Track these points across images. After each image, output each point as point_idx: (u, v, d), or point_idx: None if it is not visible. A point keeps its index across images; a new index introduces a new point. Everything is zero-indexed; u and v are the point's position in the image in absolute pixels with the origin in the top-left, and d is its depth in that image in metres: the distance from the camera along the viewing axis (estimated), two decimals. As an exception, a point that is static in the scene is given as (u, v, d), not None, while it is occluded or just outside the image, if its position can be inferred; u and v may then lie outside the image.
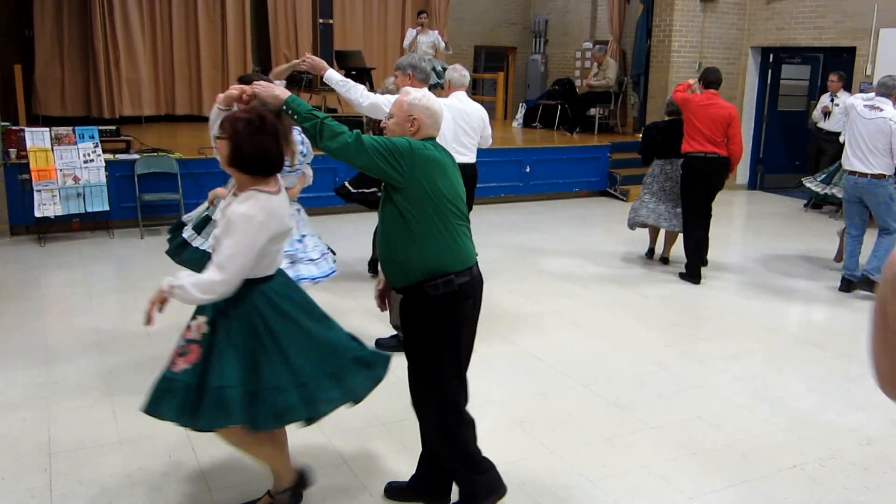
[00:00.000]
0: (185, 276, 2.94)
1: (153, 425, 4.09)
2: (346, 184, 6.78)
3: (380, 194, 4.91)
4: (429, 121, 3.15)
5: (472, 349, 3.39)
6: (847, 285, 6.92)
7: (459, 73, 6.48)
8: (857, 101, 6.95)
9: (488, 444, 4.10)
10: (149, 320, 2.94)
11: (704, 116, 6.93)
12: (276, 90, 3.08)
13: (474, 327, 3.33)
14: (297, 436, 3.56)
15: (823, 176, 8.39)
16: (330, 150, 2.96)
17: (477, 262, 3.26)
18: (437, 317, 3.11)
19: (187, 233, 4.90)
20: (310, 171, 5.19)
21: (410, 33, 11.96)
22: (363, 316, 5.93)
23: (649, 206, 7.49)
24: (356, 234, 8.17)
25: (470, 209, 6.84)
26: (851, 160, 6.73)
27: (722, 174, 7.07)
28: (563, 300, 6.56)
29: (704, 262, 7.32)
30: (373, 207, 6.93)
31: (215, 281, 2.88)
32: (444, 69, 11.39)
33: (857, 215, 6.90)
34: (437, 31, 12.01)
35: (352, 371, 3.15)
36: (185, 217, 5.06)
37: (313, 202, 8.02)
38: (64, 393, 4.52)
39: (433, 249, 3.04)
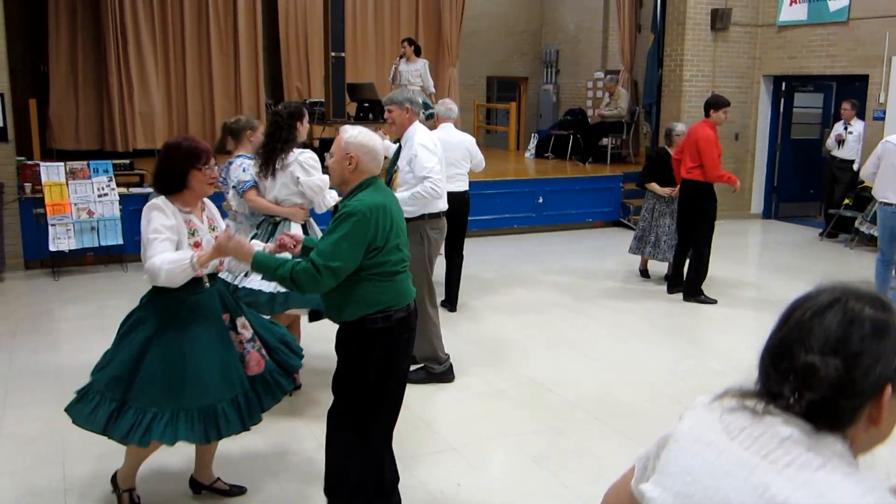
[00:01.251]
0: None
1: (166, 460, 4.06)
2: None
3: None
4: (366, 157, 3.20)
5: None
6: None
7: (446, 106, 6.81)
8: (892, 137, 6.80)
9: (501, 479, 4.05)
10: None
11: (687, 144, 7.32)
12: (244, 250, 3.18)
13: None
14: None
15: (871, 215, 8.37)
16: (320, 290, 3.10)
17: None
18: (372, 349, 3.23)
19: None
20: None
21: (396, 63, 11.51)
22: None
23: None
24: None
25: (463, 236, 6.89)
26: (886, 192, 6.64)
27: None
28: (576, 332, 6.49)
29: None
30: None
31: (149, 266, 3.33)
32: (427, 106, 11.21)
33: (889, 247, 6.77)
34: (425, 62, 11.41)
35: None
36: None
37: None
38: (78, 428, 4.47)
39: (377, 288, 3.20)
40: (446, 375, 5.26)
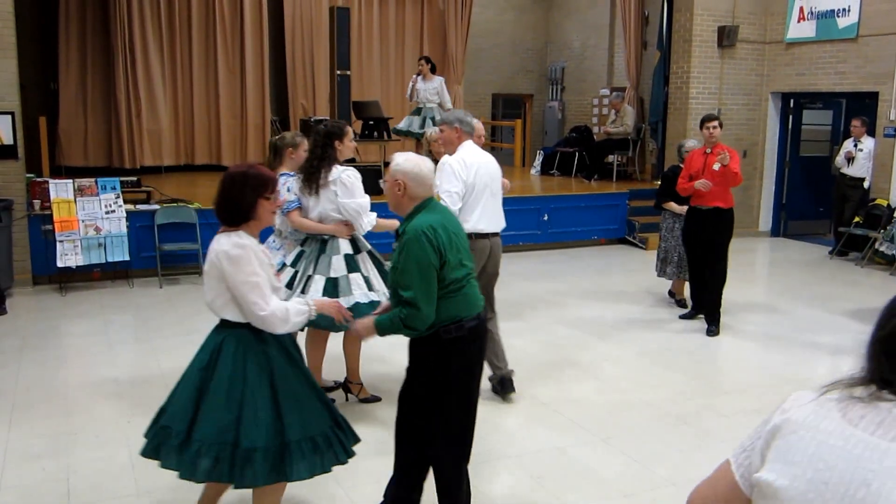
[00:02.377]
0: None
1: (171, 477, 4.03)
2: None
3: None
4: (413, 182, 3.32)
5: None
6: None
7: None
8: None
9: (503, 498, 4.00)
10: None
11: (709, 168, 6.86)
12: (367, 327, 3.43)
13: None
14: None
15: (892, 235, 8.22)
16: (429, 320, 3.22)
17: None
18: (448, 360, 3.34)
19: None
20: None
21: (412, 81, 11.57)
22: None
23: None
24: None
25: None
26: None
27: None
28: (581, 351, 6.43)
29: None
30: None
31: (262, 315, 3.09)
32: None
33: None
34: (441, 79, 11.47)
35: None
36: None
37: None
38: (83, 443, 4.47)
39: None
40: (502, 388, 5.27)
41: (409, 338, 3.37)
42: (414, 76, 11.43)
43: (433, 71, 11.33)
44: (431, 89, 11.19)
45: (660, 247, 7.84)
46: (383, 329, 3.34)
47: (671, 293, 7.97)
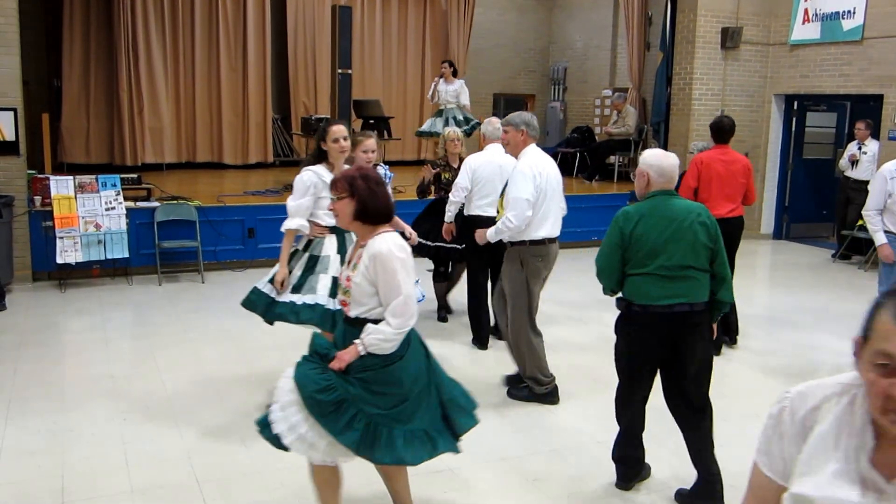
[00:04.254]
0: (369, 331, 3.10)
1: (165, 475, 4.02)
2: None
3: (460, 248, 5.98)
4: (655, 175, 3.78)
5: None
6: None
7: (493, 126, 6.44)
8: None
9: (498, 501, 3.98)
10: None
11: (727, 174, 6.55)
12: None
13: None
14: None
15: None
16: (603, 287, 3.94)
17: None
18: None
19: (290, 297, 4.63)
20: None
21: (434, 84, 11.92)
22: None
23: None
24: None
25: (498, 271, 6.79)
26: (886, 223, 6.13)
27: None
28: (580, 353, 6.38)
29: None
30: (440, 261, 6.90)
31: (397, 322, 3.09)
32: (468, 120, 11.42)
33: (887, 279, 6.27)
34: (462, 81, 11.81)
35: None
36: (266, 289, 4.73)
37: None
38: (79, 440, 4.46)
39: None
40: (550, 397, 5.23)
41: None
42: (436, 78, 11.69)
43: (455, 74, 11.61)
44: (452, 91, 11.54)
45: None
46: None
47: None
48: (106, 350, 6.17)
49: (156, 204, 8.61)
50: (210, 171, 12.43)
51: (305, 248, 4.76)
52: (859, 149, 10.23)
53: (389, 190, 4.56)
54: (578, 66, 15.89)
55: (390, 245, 3.11)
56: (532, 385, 5.23)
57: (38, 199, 8.15)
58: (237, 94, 12.98)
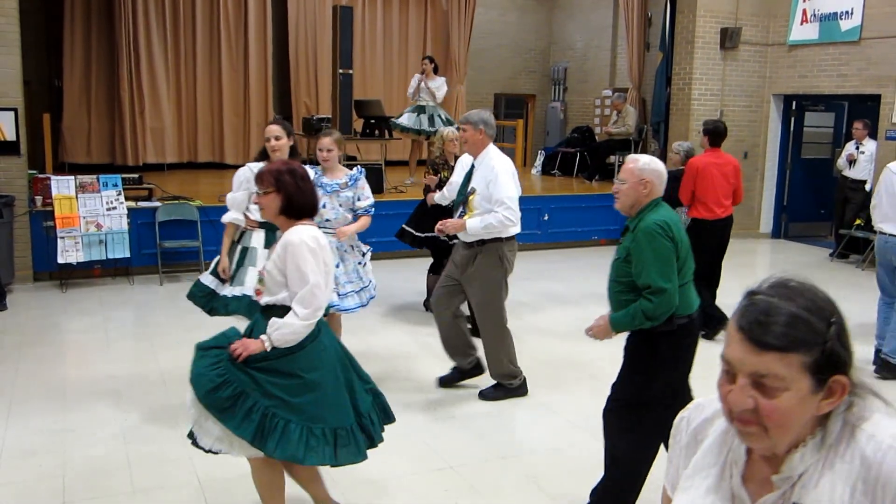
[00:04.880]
0: (275, 326, 3.09)
1: (166, 476, 4.05)
2: (406, 227, 6.97)
3: (452, 242, 5.41)
4: (657, 181, 3.51)
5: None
6: (883, 367, 6.12)
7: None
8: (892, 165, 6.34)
9: (500, 499, 4.01)
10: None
11: (720, 177, 6.72)
12: (602, 328, 3.61)
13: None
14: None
15: None
16: (666, 313, 3.41)
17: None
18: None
19: (227, 290, 4.82)
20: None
21: (414, 80, 11.58)
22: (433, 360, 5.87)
23: None
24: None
25: None
26: (879, 223, 6.35)
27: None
28: (580, 351, 6.40)
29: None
30: (440, 252, 6.96)
31: (314, 316, 3.12)
32: (449, 120, 11.30)
33: (889, 282, 6.35)
34: (444, 79, 11.51)
35: None
36: (207, 281, 4.94)
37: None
38: (80, 440, 4.49)
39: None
40: (521, 389, 5.33)
41: (631, 331, 3.56)
42: (417, 74, 11.45)
43: (436, 71, 11.37)
44: (435, 88, 11.21)
45: None
46: (622, 326, 3.52)
47: None
48: (107, 350, 6.21)
49: (157, 204, 8.65)
50: (211, 171, 12.46)
51: (239, 240, 4.93)
52: (857, 148, 10.26)
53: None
54: (579, 67, 15.91)
55: (302, 235, 3.14)
56: (504, 381, 5.26)
57: (39, 199, 8.17)
58: (238, 95, 13.01)
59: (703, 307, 6.85)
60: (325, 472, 4.07)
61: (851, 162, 10.29)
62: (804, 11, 11.25)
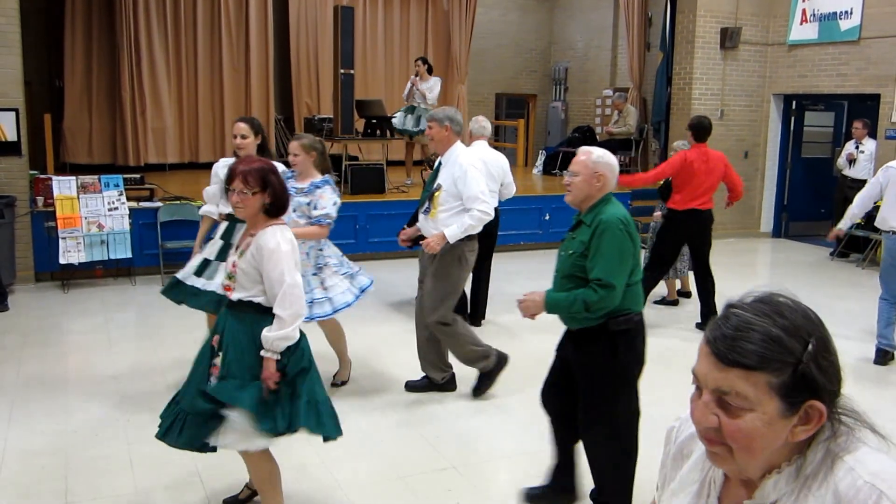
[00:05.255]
0: (267, 339, 3.16)
1: (169, 476, 4.07)
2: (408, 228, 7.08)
3: None
4: (611, 175, 3.46)
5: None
6: (882, 356, 6.24)
7: (480, 124, 6.80)
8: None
9: (503, 499, 4.03)
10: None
11: (703, 172, 6.91)
12: (536, 303, 3.46)
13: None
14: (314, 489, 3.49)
15: None
16: (605, 309, 3.35)
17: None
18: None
19: (193, 280, 4.92)
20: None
21: (408, 84, 11.49)
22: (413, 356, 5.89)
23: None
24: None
25: (492, 253, 6.92)
26: (889, 220, 6.24)
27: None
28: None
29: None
30: None
31: (298, 314, 3.20)
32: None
33: (893, 280, 6.27)
34: (437, 79, 11.36)
35: None
36: (179, 275, 5.04)
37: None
38: (82, 441, 4.50)
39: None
40: (448, 386, 5.35)
41: (571, 328, 3.50)
42: (412, 77, 11.43)
43: (430, 72, 11.33)
44: (427, 89, 11.18)
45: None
46: (557, 307, 3.42)
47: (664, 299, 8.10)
48: (109, 351, 6.22)
49: (159, 204, 8.67)
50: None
51: (217, 234, 5.02)
52: (857, 148, 10.28)
53: None
54: (579, 67, 15.93)
55: (278, 238, 3.20)
56: (433, 375, 5.29)
57: (40, 199, 8.19)
58: (240, 95, 13.04)
59: (706, 305, 7.00)
60: (327, 471, 4.10)
61: (851, 161, 10.31)
62: (804, 11, 11.27)
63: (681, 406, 1.40)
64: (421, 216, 5.20)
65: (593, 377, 3.49)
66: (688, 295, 8.06)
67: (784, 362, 1.21)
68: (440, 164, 5.19)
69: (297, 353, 3.25)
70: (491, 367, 5.30)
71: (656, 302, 7.96)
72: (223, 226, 4.99)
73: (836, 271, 9.98)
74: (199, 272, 4.88)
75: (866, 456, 1.25)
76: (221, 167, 4.94)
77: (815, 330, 1.27)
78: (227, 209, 4.70)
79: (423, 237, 5.19)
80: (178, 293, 4.93)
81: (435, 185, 5.10)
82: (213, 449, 3.32)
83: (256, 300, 3.24)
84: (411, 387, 5.38)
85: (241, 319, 3.26)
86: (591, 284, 3.32)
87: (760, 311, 1.25)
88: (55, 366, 5.79)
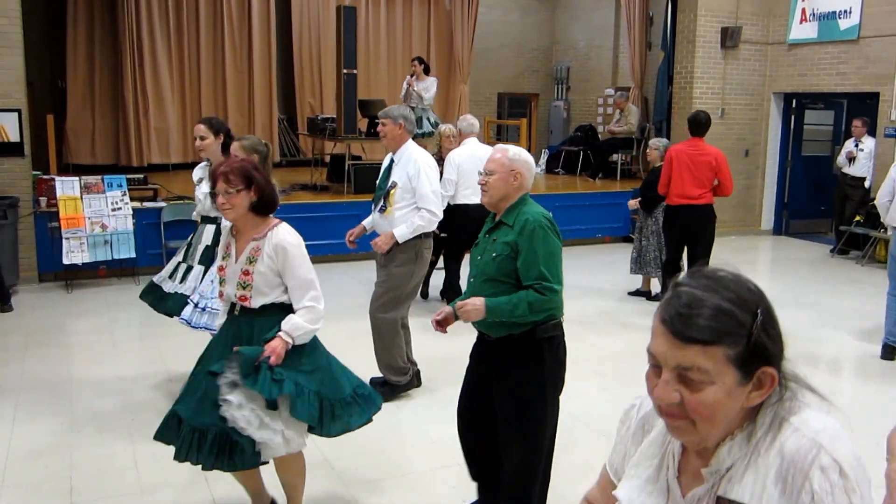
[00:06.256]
0: (294, 323, 3.18)
1: (173, 476, 4.10)
2: None
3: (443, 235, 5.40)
4: (528, 173, 3.34)
5: None
6: (890, 352, 6.17)
7: (468, 122, 7.12)
8: None
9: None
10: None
11: (691, 166, 7.03)
12: (477, 308, 3.20)
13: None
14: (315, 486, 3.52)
15: None
16: (547, 312, 3.21)
17: None
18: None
19: (169, 285, 4.98)
20: None
21: (404, 84, 11.53)
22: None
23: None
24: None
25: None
26: None
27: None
28: (585, 348, 6.47)
29: None
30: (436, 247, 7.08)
31: (319, 309, 3.25)
32: (437, 122, 11.26)
33: None
34: (434, 79, 11.40)
35: None
36: (155, 279, 5.20)
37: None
38: (87, 441, 4.53)
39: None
40: (409, 386, 5.35)
41: (490, 337, 3.31)
42: (408, 77, 11.46)
43: (426, 72, 11.37)
44: (423, 89, 11.22)
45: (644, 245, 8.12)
46: (500, 311, 3.19)
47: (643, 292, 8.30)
48: (113, 351, 6.26)
49: (162, 204, 8.70)
50: (215, 171, 12.49)
51: (198, 238, 5.10)
52: (856, 146, 10.31)
53: None
54: (581, 66, 15.95)
55: (292, 238, 3.25)
56: (391, 377, 5.23)
57: (43, 199, 8.23)
58: (243, 95, 13.06)
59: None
60: (330, 470, 4.13)
61: (851, 159, 10.34)
62: (803, 10, 11.28)
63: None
64: (376, 214, 5.22)
65: (518, 386, 3.29)
66: (646, 294, 8.21)
67: (738, 335, 1.28)
68: (392, 161, 5.24)
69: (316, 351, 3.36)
70: (400, 385, 5.27)
71: (631, 293, 8.23)
72: (206, 229, 5.00)
73: (837, 268, 10.00)
74: (171, 275, 4.96)
75: (810, 416, 1.33)
76: (195, 172, 4.97)
77: (759, 301, 1.33)
78: (205, 212, 4.79)
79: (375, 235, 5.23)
80: (153, 299, 5.00)
81: (390, 183, 5.14)
82: (264, 463, 3.28)
83: (279, 301, 3.26)
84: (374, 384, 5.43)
85: (270, 317, 3.24)
86: (534, 285, 3.16)
87: (707, 287, 1.30)
88: (59, 366, 5.83)
